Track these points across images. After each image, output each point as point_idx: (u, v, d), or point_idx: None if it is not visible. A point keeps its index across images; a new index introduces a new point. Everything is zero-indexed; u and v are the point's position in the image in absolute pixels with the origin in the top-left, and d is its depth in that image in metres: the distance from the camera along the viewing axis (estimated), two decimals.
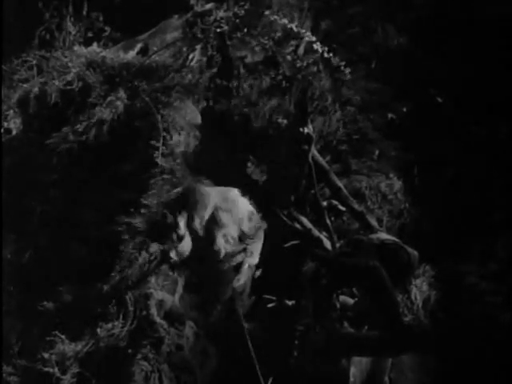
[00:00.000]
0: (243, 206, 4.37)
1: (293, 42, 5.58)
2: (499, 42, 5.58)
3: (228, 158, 5.33)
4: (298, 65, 5.37)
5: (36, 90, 5.02)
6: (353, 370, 4.03)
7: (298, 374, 4.29)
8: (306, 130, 4.61)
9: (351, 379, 4.03)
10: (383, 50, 5.98)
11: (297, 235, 4.29)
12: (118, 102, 5.21)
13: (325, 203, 4.34)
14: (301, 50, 5.53)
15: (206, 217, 4.29)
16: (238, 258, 4.27)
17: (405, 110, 5.51)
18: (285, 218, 4.24)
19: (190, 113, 5.37)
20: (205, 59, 5.60)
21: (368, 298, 3.96)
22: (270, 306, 4.27)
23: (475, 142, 5.40)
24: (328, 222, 4.25)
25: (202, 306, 4.35)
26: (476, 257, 4.82)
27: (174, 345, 3.97)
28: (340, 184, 4.50)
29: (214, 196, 4.38)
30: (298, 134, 4.65)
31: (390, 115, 5.48)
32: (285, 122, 5.35)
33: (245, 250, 4.26)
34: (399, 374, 4.04)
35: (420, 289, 4.30)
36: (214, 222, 4.30)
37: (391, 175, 5.02)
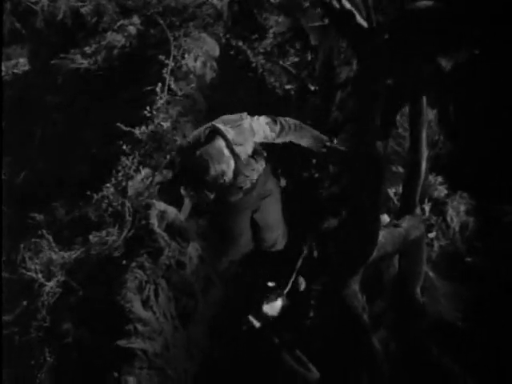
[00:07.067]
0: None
1: None
2: None
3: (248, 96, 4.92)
4: None
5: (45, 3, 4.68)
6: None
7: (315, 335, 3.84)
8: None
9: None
10: None
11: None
12: (131, 27, 4.89)
13: None
14: None
15: None
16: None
17: None
18: None
19: (208, 44, 5.01)
20: None
21: None
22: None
23: None
24: None
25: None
26: None
27: (174, 259, 3.49)
28: None
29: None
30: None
31: None
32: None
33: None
34: (431, 298, 3.52)
35: (457, 211, 3.77)
36: None
37: None
